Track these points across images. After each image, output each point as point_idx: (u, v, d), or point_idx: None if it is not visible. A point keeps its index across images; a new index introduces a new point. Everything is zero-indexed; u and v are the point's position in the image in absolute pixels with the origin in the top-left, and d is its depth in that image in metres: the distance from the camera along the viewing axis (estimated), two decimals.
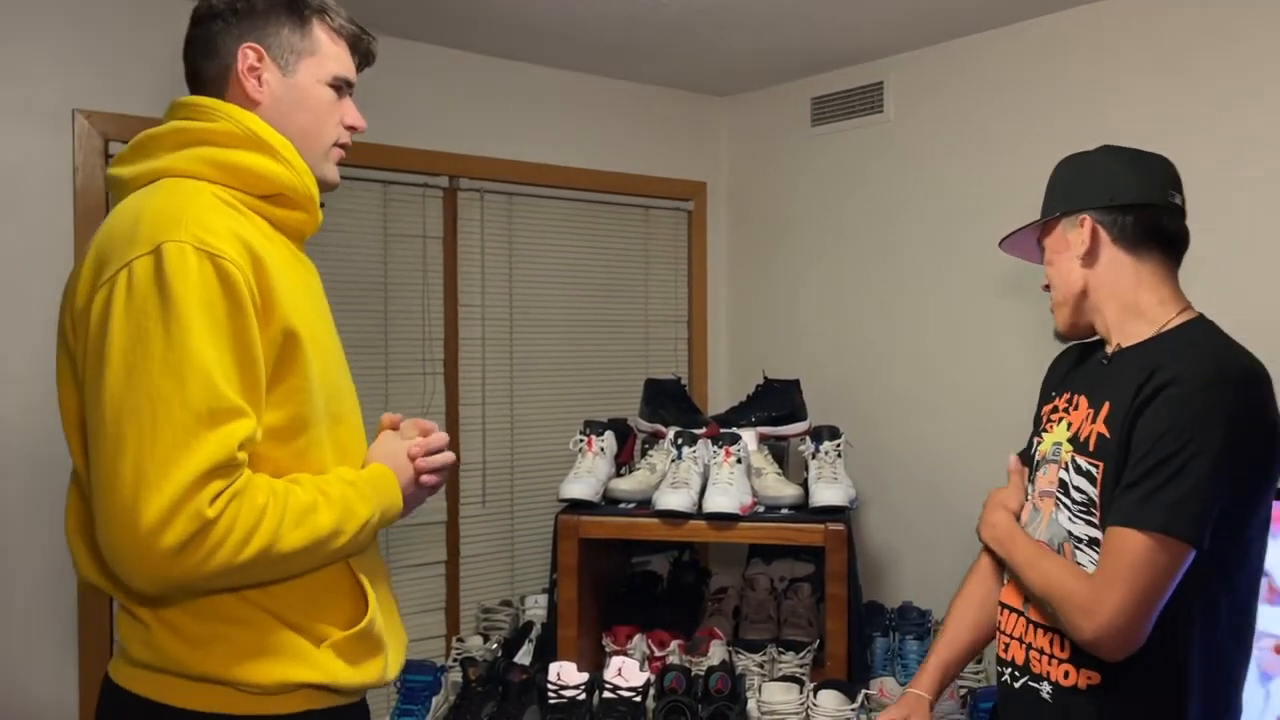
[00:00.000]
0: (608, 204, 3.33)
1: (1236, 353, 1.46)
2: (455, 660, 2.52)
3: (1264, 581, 1.94)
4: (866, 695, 2.23)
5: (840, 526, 2.31)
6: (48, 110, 2.34)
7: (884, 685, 2.27)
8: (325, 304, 1.45)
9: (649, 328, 3.45)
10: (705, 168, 3.55)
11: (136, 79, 2.41)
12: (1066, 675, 1.50)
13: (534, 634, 2.63)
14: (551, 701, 2.19)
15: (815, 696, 2.19)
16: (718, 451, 2.44)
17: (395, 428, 1.52)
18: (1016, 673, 1.59)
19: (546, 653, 2.46)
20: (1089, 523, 1.48)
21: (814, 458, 2.51)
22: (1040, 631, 1.54)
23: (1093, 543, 1.46)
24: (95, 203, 2.36)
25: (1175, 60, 2.39)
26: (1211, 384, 1.38)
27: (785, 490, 2.45)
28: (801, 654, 2.44)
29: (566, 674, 2.22)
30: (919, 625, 2.61)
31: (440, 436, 1.49)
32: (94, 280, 1.21)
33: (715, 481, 2.38)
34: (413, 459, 1.44)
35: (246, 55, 1.36)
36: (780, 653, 2.46)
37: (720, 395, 3.53)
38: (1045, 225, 1.63)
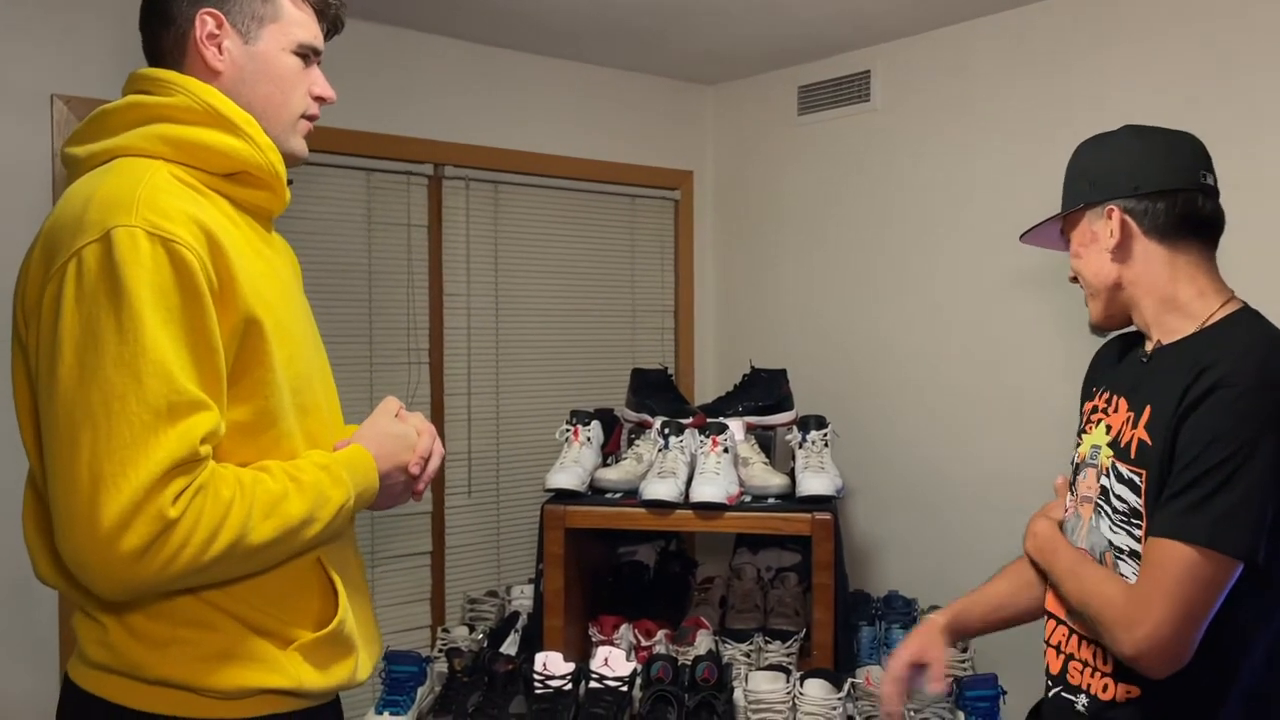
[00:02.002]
0: (594, 193, 3.31)
1: None
2: (441, 651, 2.51)
3: None
4: (853, 684, 2.24)
5: (827, 516, 2.31)
6: (25, 95, 2.30)
7: (870, 674, 2.28)
8: (295, 288, 1.39)
9: (635, 317, 3.44)
10: (692, 157, 3.54)
11: (116, 63, 2.37)
12: (1106, 688, 1.43)
13: (520, 624, 2.62)
14: (538, 692, 2.18)
15: (802, 685, 2.19)
16: (704, 441, 2.44)
17: None
18: (1051, 683, 1.54)
19: (532, 643, 2.45)
20: (1131, 534, 1.40)
21: (801, 447, 2.51)
22: (1084, 643, 1.48)
23: (1135, 555, 1.39)
24: None
25: (1165, 48, 2.39)
26: (1262, 386, 1.30)
27: (772, 480, 2.45)
28: (788, 643, 2.44)
29: (553, 664, 2.22)
30: (905, 614, 2.62)
31: (426, 439, 1.44)
32: (45, 271, 1.15)
33: (702, 471, 2.37)
34: (416, 478, 1.41)
35: (205, 22, 1.28)
36: (767, 642, 2.46)
37: (707, 385, 3.53)
38: (1068, 216, 1.54)
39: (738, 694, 2.23)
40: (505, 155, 3.08)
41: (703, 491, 2.31)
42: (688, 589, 2.91)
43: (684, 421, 2.54)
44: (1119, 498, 1.42)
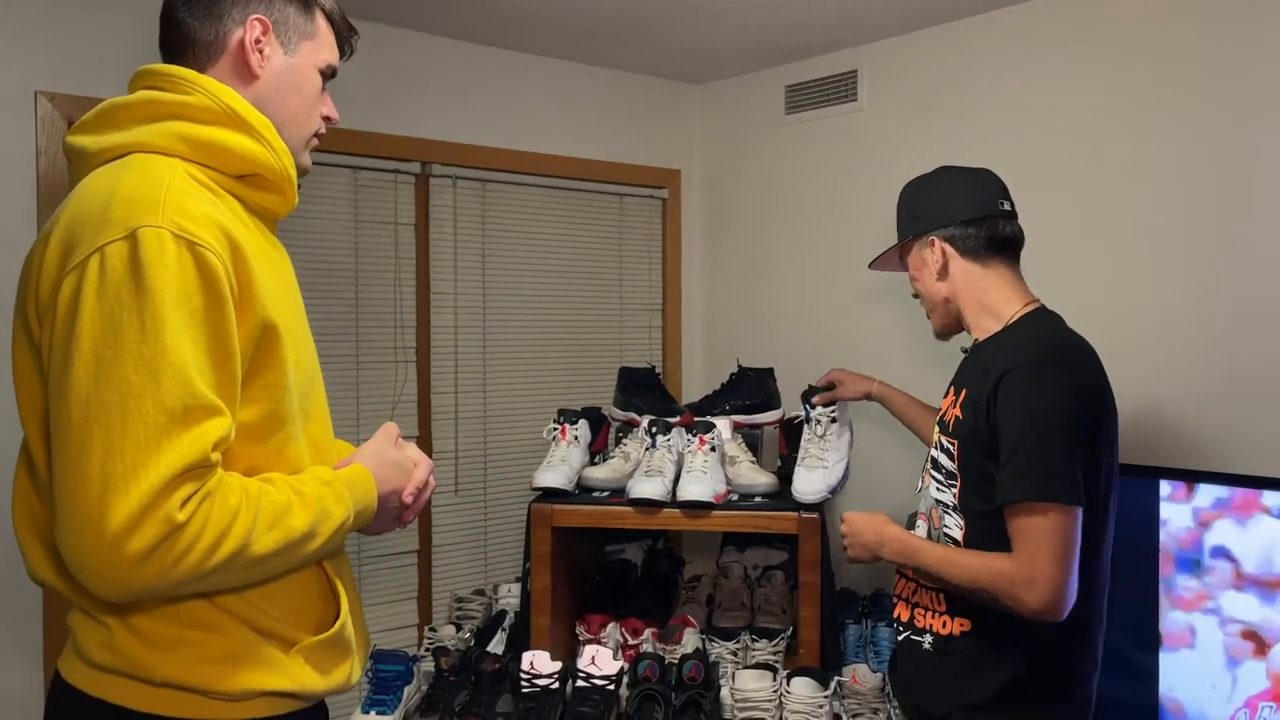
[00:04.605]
0: (582, 191, 3.31)
1: (1058, 334, 1.70)
2: (428, 649, 2.51)
3: (1231, 568, 1.98)
4: (840, 682, 2.24)
5: (814, 514, 2.31)
6: (9, 92, 2.29)
7: (857, 672, 2.28)
8: (298, 291, 1.39)
9: (623, 316, 3.44)
10: (679, 155, 3.54)
11: (102, 59, 2.37)
12: (944, 625, 1.72)
13: (507, 623, 2.62)
14: (525, 690, 2.18)
15: (788, 684, 2.19)
16: (692, 440, 2.44)
17: None
18: (901, 628, 1.83)
19: (520, 641, 2.45)
20: (950, 491, 1.71)
21: (809, 424, 2.43)
22: (925, 591, 1.77)
23: (954, 509, 1.70)
24: (60, 188, 2.32)
25: (1150, 45, 2.40)
26: (1037, 363, 1.61)
27: (759, 478, 2.45)
28: (775, 641, 2.45)
29: (540, 663, 2.22)
30: (891, 612, 2.62)
31: (423, 469, 1.45)
32: (61, 265, 1.13)
33: (689, 470, 2.38)
34: (407, 506, 1.42)
35: (255, 26, 1.29)
36: (754, 640, 2.46)
37: (694, 384, 3.53)
38: (905, 245, 1.86)
39: (724, 692, 2.23)
40: (493, 154, 3.08)
41: (690, 490, 2.31)
42: (675, 587, 2.91)
43: (671, 420, 2.54)
44: (941, 465, 1.74)
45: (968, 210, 1.76)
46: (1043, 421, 1.57)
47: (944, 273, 1.78)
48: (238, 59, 1.30)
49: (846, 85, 3.07)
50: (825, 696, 2.16)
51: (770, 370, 2.82)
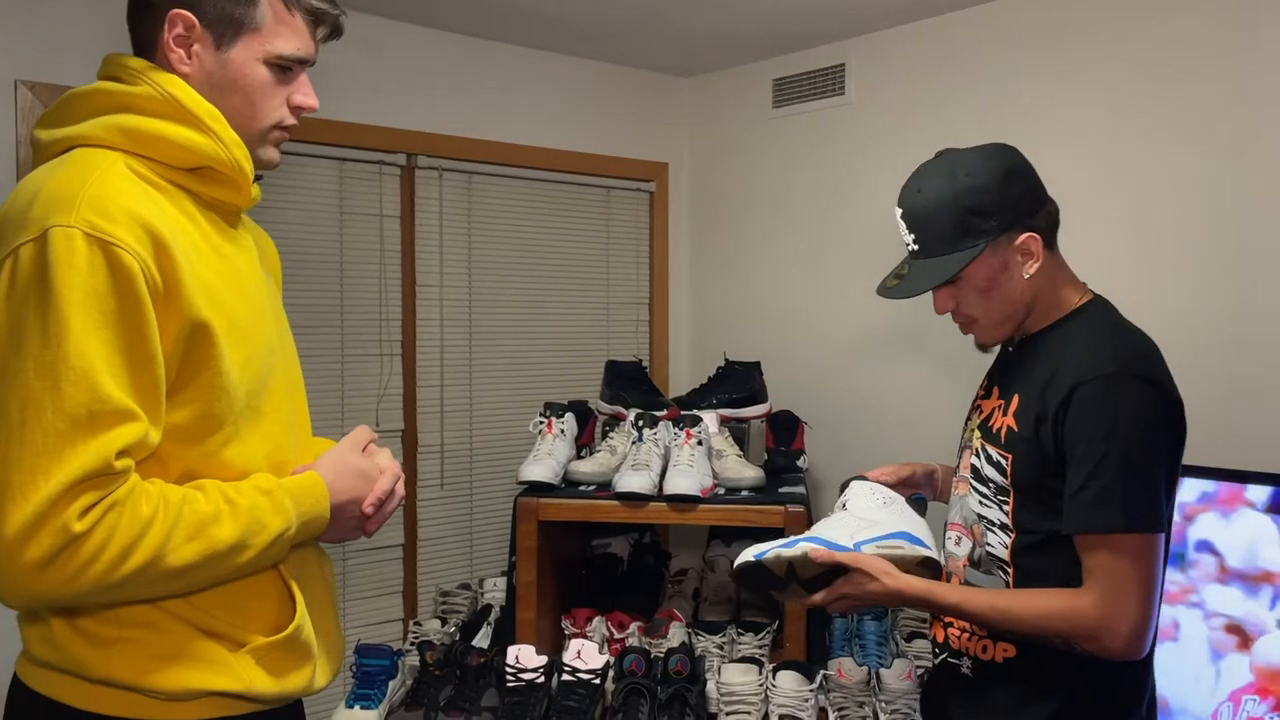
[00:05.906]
0: (569, 184, 3.30)
1: (1126, 335, 1.49)
2: (412, 644, 2.50)
3: (1215, 562, 1.98)
4: (825, 676, 2.24)
5: (800, 508, 2.31)
6: None
7: (842, 666, 2.28)
8: (259, 286, 1.33)
9: (610, 309, 3.43)
10: (667, 149, 3.53)
11: (83, 48, 2.34)
12: (985, 650, 1.54)
13: (492, 617, 2.62)
14: (510, 684, 2.17)
15: (774, 677, 2.19)
16: (678, 433, 2.44)
17: None
18: (938, 650, 1.66)
19: (505, 636, 2.45)
20: (1001, 509, 1.51)
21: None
22: None
23: (1003, 527, 1.51)
24: None
25: (1147, 38, 2.41)
26: (1118, 378, 1.41)
27: (746, 472, 2.45)
28: (761, 635, 2.45)
29: (525, 657, 2.21)
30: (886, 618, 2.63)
31: (387, 479, 1.37)
32: None
33: (676, 463, 2.37)
34: (368, 517, 1.35)
35: (174, 23, 1.22)
36: (739, 634, 2.46)
37: (681, 377, 3.53)
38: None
39: (710, 686, 2.23)
40: (479, 145, 3.06)
41: (676, 484, 2.30)
42: (661, 581, 2.91)
43: (658, 414, 2.53)
44: (988, 478, 1.53)
45: (1039, 190, 1.51)
46: (1125, 443, 1.37)
47: (1040, 271, 1.50)
48: (165, 58, 1.24)
49: (834, 79, 3.06)
50: (811, 690, 2.16)
51: (757, 364, 2.82)
